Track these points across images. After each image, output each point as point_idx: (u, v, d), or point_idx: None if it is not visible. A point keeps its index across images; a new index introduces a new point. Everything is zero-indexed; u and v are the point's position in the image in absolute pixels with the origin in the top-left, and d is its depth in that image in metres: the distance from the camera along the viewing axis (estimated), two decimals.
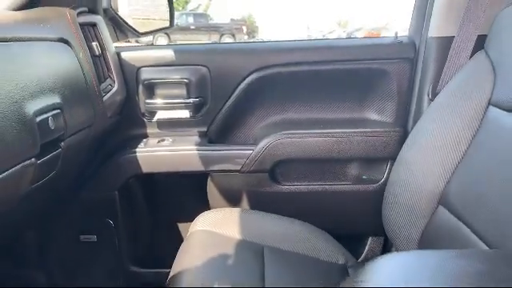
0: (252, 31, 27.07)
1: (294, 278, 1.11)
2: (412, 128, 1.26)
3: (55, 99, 1.02)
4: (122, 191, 1.50)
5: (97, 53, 1.31)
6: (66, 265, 1.56)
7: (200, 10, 26.25)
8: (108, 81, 1.37)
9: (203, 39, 17.65)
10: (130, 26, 1.60)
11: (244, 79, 1.48)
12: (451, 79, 1.20)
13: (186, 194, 1.62)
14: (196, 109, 1.52)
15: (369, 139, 1.43)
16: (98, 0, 1.40)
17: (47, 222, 1.48)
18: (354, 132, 1.44)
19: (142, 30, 1.70)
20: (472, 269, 0.55)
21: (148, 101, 1.51)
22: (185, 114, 1.53)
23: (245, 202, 1.50)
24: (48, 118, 0.97)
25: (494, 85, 1.03)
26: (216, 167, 1.47)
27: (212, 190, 1.52)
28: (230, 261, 1.12)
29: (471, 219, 0.96)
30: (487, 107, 1.03)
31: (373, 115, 1.52)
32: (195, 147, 1.47)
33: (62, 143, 1.06)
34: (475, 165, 1.01)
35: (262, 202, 1.47)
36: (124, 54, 1.48)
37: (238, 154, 1.46)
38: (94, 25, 1.34)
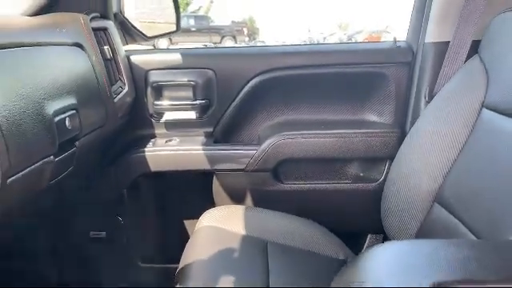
0: (253, 33, 27.08)
1: (297, 272, 1.15)
2: (410, 129, 1.31)
3: (71, 100, 1.07)
4: (130, 189, 1.54)
5: (108, 56, 1.37)
6: (76, 261, 1.60)
7: (201, 12, 26.25)
8: (118, 83, 1.42)
9: (204, 41, 17.64)
10: (138, 30, 1.65)
11: (248, 82, 1.53)
12: (447, 82, 1.25)
13: (192, 192, 1.67)
14: (202, 110, 1.57)
15: (368, 140, 1.48)
16: (109, 5, 1.46)
17: (59, 219, 1.53)
18: (354, 133, 1.48)
19: (149, 34, 1.76)
20: (461, 255, 0.60)
21: (156, 102, 1.56)
22: (191, 115, 1.58)
23: (249, 200, 1.54)
24: (65, 118, 1.03)
25: (487, 88, 1.08)
26: (221, 166, 1.52)
27: (217, 188, 1.57)
28: (235, 255, 1.17)
29: (465, 215, 1.01)
30: (481, 109, 1.08)
31: (372, 117, 1.57)
32: (201, 147, 1.52)
33: (77, 142, 1.11)
34: (469, 164, 1.06)
35: (266, 200, 1.52)
36: (133, 58, 1.54)
37: (242, 154, 1.51)
38: (105, 29, 1.40)
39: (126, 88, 1.44)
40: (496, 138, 1.01)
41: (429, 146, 1.16)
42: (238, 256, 1.17)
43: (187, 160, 1.52)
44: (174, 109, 1.57)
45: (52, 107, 0.98)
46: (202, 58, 1.58)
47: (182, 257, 1.22)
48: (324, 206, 1.53)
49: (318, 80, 1.55)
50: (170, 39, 14.96)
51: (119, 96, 1.38)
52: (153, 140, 1.58)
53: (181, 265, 1.18)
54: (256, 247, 1.21)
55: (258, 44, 18.88)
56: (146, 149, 1.52)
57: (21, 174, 0.86)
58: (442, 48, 1.33)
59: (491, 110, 1.05)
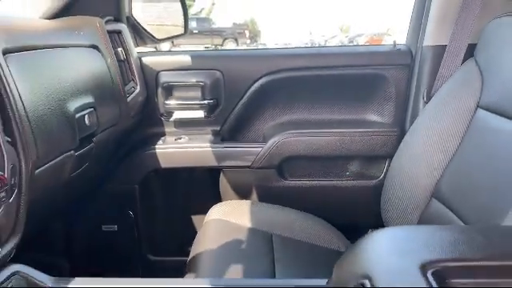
0: (254, 35, 27.04)
1: (301, 263, 1.21)
2: (409, 128, 1.37)
3: (89, 99, 1.14)
4: (141, 184, 1.60)
5: (122, 58, 1.43)
6: (88, 253, 1.66)
7: (203, 15, 26.22)
8: (131, 83, 1.49)
9: (206, 43, 17.61)
10: (148, 33, 1.71)
11: (254, 82, 1.58)
12: (444, 84, 1.31)
13: (200, 187, 1.72)
14: (210, 109, 1.63)
15: (369, 138, 1.53)
16: (122, 9, 1.52)
17: (73, 212, 1.58)
18: (356, 132, 1.54)
19: (158, 36, 1.82)
20: (452, 238, 0.66)
21: (166, 102, 1.62)
22: (200, 114, 1.64)
23: (254, 195, 1.60)
24: (84, 115, 1.10)
25: (482, 89, 1.14)
26: (228, 163, 1.58)
27: (224, 184, 1.62)
28: (243, 246, 1.22)
29: (460, 208, 1.07)
30: (476, 109, 1.14)
31: (373, 116, 1.62)
32: (209, 145, 1.58)
33: (94, 138, 1.18)
34: (465, 161, 1.11)
35: (270, 196, 1.57)
36: (145, 59, 1.60)
37: (248, 152, 1.57)
38: (119, 32, 1.46)
39: (138, 88, 1.51)
40: (490, 136, 1.06)
41: (427, 144, 1.22)
42: (245, 247, 1.22)
43: (196, 157, 1.58)
44: (183, 108, 1.63)
45: (73, 105, 1.05)
46: (211, 60, 1.64)
47: (192, 248, 1.28)
48: (326, 201, 1.58)
49: (321, 81, 1.60)
50: (172, 41, 14.94)
51: (132, 95, 1.45)
52: (163, 138, 1.64)
53: (191, 255, 1.24)
54: (262, 239, 1.27)
55: (260, 46, 18.90)
56: (156, 146, 1.58)
57: (47, 166, 0.93)
58: (440, 51, 1.38)
59: (486, 109, 1.10)
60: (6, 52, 0.85)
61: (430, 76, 1.42)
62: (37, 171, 0.87)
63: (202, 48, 13.18)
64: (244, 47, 18.85)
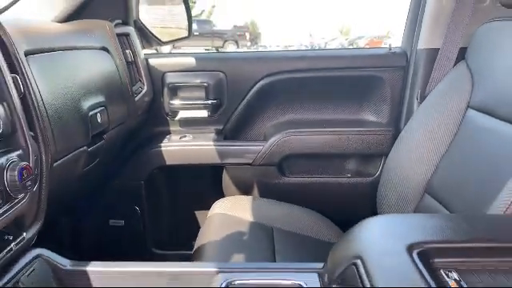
0: (255, 37, 27.06)
1: (300, 254, 1.27)
2: (403, 127, 1.43)
3: (101, 98, 1.21)
4: (147, 181, 1.66)
5: (130, 59, 1.50)
6: (95, 247, 1.72)
7: (203, 17, 26.22)
8: (138, 84, 1.55)
9: (206, 45, 17.59)
10: (154, 36, 1.78)
11: (256, 83, 1.65)
12: (437, 85, 1.37)
13: (203, 183, 1.78)
14: (213, 109, 1.70)
15: (365, 137, 1.60)
16: (129, 13, 1.59)
17: (81, 208, 1.64)
18: (353, 131, 1.60)
19: (162, 39, 1.88)
20: (438, 224, 0.73)
21: (171, 102, 1.68)
22: (203, 113, 1.71)
23: (256, 191, 1.66)
24: (97, 113, 1.16)
25: (472, 90, 1.20)
26: (230, 160, 1.64)
27: (227, 181, 1.69)
28: (245, 238, 1.28)
29: (450, 202, 1.13)
30: (466, 109, 1.20)
31: (369, 116, 1.68)
32: (212, 143, 1.64)
33: (105, 135, 1.25)
34: (456, 158, 1.18)
35: (271, 192, 1.63)
36: (151, 61, 1.66)
37: (249, 150, 1.64)
38: (127, 35, 1.53)
39: (145, 88, 1.57)
40: (479, 134, 1.12)
41: (420, 143, 1.28)
42: (247, 240, 1.28)
43: (199, 155, 1.64)
44: (187, 108, 1.70)
45: (86, 103, 1.11)
46: (214, 62, 1.70)
47: (197, 241, 1.34)
48: (324, 197, 1.64)
49: (320, 82, 1.67)
50: (173, 44, 14.94)
51: (139, 95, 1.51)
52: (168, 136, 1.70)
53: (195, 247, 1.30)
54: (263, 232, 1.32)
55: (260, 48, 18.91)
56: (161, 144, 1.64)
57: (63, 159, 0.99)
58: (433, 54, 1.44)
59: (475, 109, 1.16)
60: (27, 54, 0.91)
61: (424, 78, 1.49)
62: (55, 164, 0.94)
63: (202, 50, 13.20)
64: (245, 49, 18.87)
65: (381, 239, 0.68)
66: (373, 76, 1.63)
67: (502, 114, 1.05)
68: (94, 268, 0.84)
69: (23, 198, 0.76)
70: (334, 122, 1.68)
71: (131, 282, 0.83)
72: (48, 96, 0.94)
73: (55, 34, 1.17)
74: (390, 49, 1.62)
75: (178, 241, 1.74)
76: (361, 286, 0.58)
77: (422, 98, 1.43)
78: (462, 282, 0.57)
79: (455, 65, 1.35)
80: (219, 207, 1.46)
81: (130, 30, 1.57)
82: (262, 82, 1.65)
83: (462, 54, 1.33)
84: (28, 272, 0.77)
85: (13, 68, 0.81)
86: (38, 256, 0.81)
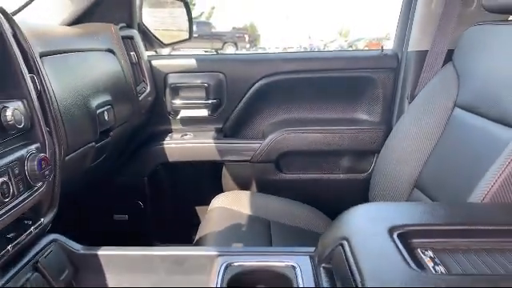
0: (254, 39, 27.05)
1: (295, 245, 1.34)
2: (394, 126, 1.50)
3: (108, 97, 1.28)
4: (150, 177, 1.73)
5: (134, 61, 1.57)
6: (100, 240, 1.78)
7: (202, 18, 26.22)
8: (142, 84, 1.62)
9: (206, 47, 17.58)
10: (156, 38, 1.85)
11: (254, 84, 1.72)
12: (426, 85, 1.44)
13: (204, 179, 1.85)
14: (213, 108, 1.76)
15: (359, 135, 1.67)
16: (133, 17, 1.66)
17: (87, 203, 1.71)
18: (347, 129, 1.67)
19: (164, 41, 1.95)
20: (419, 210, 0.80)
21: (173, 101, 1.75)
22: (204, 112, 1.77)
23: (254, 187, 1.73)
24: (104, 111, 1.23)
25: (459, 90, 1.26)
26: (230, 157, 1.71)
27: (226, 177, 1.75)
28: (243, 229, 1.35)
29: (437, 196, 1.19)
30: (453, 108, 1.26)
31: (362, 115, 1.75)
32: (212, 141, 1.71)
33: (111, 133, 1.32)
34: (443, 153, 1.24)
35: (268, 187, 1.70)
36: (154, 62, 1.73)
37: (248, 147, 1.71)
38: (131, 38, 1.60)
39: (148, 88, 1.64)
40: (465, 131, 1.19)
41: (410, 140, 1.34)
42: (245, 230, 1.35)
43: (200, 152, 1.71)
44: (188, 107, 1.77)
45: (95, 102, 1.19)
46: (214, 63, 1.77)
47: (198, 232, 1.40)
48: (319, 192, 1.71)
49: (315, 83, 1.73)
50: (172, 46, 14.93)
51: (143, 95, 1.58)
52: (170, 134, 1.77)
53: (197, 238, 1.36)
54: (261, 225, 1.39)
55: (259, 50, 18.94)
56: (164, 142, 1.71)
57: (73, 154, 1.06)
58: (422, 56, 1.52)
59: (461, 108, 1.23)
60: (41, 55, 0.98)
61: (414, 78, 1.56)
62: (66, 158, 1.01)
63: (201, 52, 13.22)
64: (244, 51, 18.88)
65: (365, 223, 0.75)
66: (366, 77, 1.70)
67: (484, 112, 1.12)
68: (104, 252, 0.91)
69: (41, 186, 0.83)
70: (329, 120, 1.75)
71: (137, 264, 0.90)
72: (60, 95, 1.01)
73: (65, 36, 1.24)
74: (382, 51, 1.69)
75: (180, 234, 1.79)
76: (346, 264, 0.65)
77: (412, 97, 1.50)
78: (437, 259, 0.63)
79: (443, 66, 1.41)
80: (219, 202, 1.52)
81: (134, 32, 1.64)
82: (260, 83, 1.72)
83: (449, 56, 1.39)
84: (45, 254, 0.84)
85: (30, 68, 0.89)
86: (53, 240, 0.89)
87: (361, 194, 1.61)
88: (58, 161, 0.93)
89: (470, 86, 1.22)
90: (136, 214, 1.75)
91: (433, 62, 1.48)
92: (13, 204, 0.74)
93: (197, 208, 1.87)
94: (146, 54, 1.73)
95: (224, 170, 1.76)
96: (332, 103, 1.77)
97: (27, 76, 0.85)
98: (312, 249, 0.88)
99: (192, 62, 1.74)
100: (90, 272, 0.91)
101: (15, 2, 1.36)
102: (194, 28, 2.03)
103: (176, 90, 1.76)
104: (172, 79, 1.75)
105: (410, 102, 1.53)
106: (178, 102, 1.76)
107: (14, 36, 0.86)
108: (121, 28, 1.55)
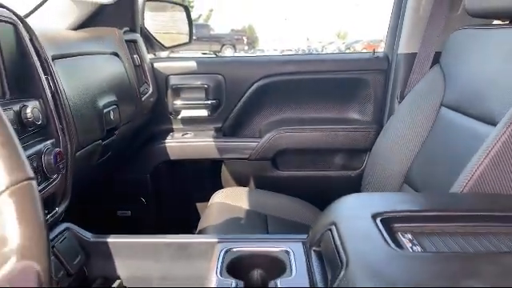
0: (252, 42, 27.10)
1: None
2: (385, 124, 1.56)
3: (113, 97, 1.35)
4: (153, 174, 1.80)
5: (137, 63, 1.64)
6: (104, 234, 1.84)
7: (201, 21, 26.25)
8: (145, 85, 1.69)
9: (204, 49, 17.59)
10: (158, 42, 1.92)
11: (252, 85, 1.79)
12: (415, 86, 1.50)
13: (204, 176, 1.92)
14: (213, 109, 1.83)
15: (351, 134, 1.74)
16: (136, 21, 1.73)
17: (91, 199, 1.77)
18: (340, 128, 1.75)
19: (165, 44, 2.01)
20: (402, 199, 0.88)
21: (175, 102, 1.82)
22: (204, 112, 1.84)
23: (251, 183, 1.80)
24: (110, 111, 1.31)
25: (445, 91, 1.33)
26: (228, 155, 1.78)
27: (225, 174, 1.83)
28: (242, 222, 1.42)
29: (425, 190, 1.25)
30: (440, 107, 1.33)
31: (355, 115, 1.82)
32: (212, 139, 1.78)
33: (116, 131, 1.39)
34: (430, 150, 1.31)
35: (265, 184, 1.77)
36: (156, 64, 1.80)
37: (246, 146, 1.77)
38: (134, 41, 1.67)
39: (151, 89, 1.71)
40: (450, 129, 1.25)
41: (400, 138, 1.41)
42: (244, 224, 1.41)
43: (200, 150, 1.78)
44: (189, 107, 1.83)
45: (101, 102, 1.26)
46: (214, 65, 1.85)
47: (199, 225, 1.47)
48: (314, 188, 1.78)
49: (310, 84, 1.81)
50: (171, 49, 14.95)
51: (145, 96, 1.66)
52: (171, 133, 1.84)
53: (198, 230, 1.43)
54: (258, 219, 1.46)
55: (258, 53, 18.97)
56: (165, 141, 1.78)
57: (82, 150, 1.14)
58: (412, 58, 1.59)
59: (448, 107, 1.29)
60: (54, 58, 1.06)
61: (404, 79, 1.63)
62: (77, 154, 1.08)
63: (200, 54, 13.24)
64: (242, 53, 18.92)
65: (352, 210, 0.83)
66: (358, 78, 1.77)
67: (468, 110, 1.18)
68: (113, 240, 0.98)
69: (56, 179, 0.91)
70: (323, 120, 1.82)
71: (144, 251, 0.97)
72: (71, 95, 1.08)
73: (74, 40, 1.32)
74: (374, 53, 1.77)
75: (181, 229, 1.85)
76: (334, 246, 0.72)
77: (402, 97, 1.56)
78: (415, 241, 0.71)
79: (431, 68, 1.48)
80: (218, 197, 1.59)
81: (137, 36, 1.71)
82: (257, 84, 1.79)
83: (437, 58, 1.45)
84: (60, 240, 0.91)
85: (45, 70, 0.96)
86: (67, 228, 0.96)
87: (353, 190, 1.62)
88: (70, 156, 1.01)
89: (456, 86, 1.28)
90: (139, 210, 1.81)
91: (421, 64, 1.55)
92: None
93: (197, 204, 1.93)
94: (148, 56, 1.80)
95: (223, 168, 1.83)
96: (326, 103, 1.84)
97: (43, 77, 0.92)
98: (304, 236, 0.95)
99: (192, 65, 1.81)
100: (100, 258, 0.98)
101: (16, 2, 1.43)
102: (193, 30, 2.10)
103: (177, 91, 1.83)
104: (173, 81, 1.82)
105: (399, 102, 1.59)
106: (178, 102, 1.83)
107: (31, 41, 0.94)
108: (124, 32, 1.61)
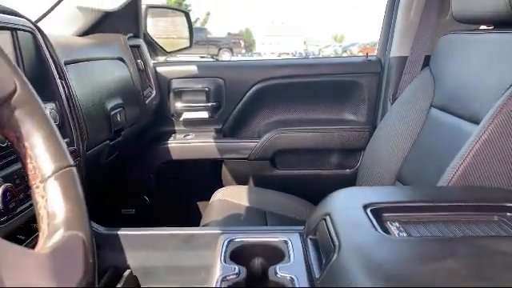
0: (249, 45, 27.17)
1: None
2: (379, 125, 1.62)
3: (120, 100, 1.42)
4: (156, 174, 1.87)
5: (141, 68, 1.71)
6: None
7: (198, 24, 26.28)
8: (148, 89, 1.76)
9: (201, 53, 17.60)
10: (160, 47, 1.99)
11: (251, 88, 1.86)
12: (406, 88, 1.56)
13: (205, 176, 1.98)
14: (213, 111, 1.90)
15: (346, 134, 1.81)
16: (140, 27, 1.81)
17: (96, 198, 1.83)
18: (335, 129, 1.82)
19: (166, 49, 2.08)
20: (391, 191, 0.95)
21: (176, 104, 1.89)
22: (204, 114, 1.90)
23: (251, 182, 1.87)
24: (117, 113, 1.37)
25: (434, 92, 1.39)
26: (228, 155, 1.85)
27: (225, 173, 1.89)
28: (242, 218, 1.49)
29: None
30: (430, 108, 1.39)
31: (349, 116, 1.89)
32: (212, 140, 1.85)
33: (123, 132, 1.46)
34: (420, 148, 1.37)
35: (264, 182, 1.83)
36: (159, 69, 1.88)
37: (245, 146, 1.84)
38: (138, 46, 1.75)
39: (154, 93, 1.78)
40: (439, 128, 1.32)
41: (392, 137, 1.47)
42: (244, 219, 1.48)
43: (201, 150, 1.85)
44: (190, 109, 1.90)
45: (109, 104, 1.33)
46: (214, 69, 1.92)
47: (201, 222, 1.53)
48: (310, 186, 1.84)
49: (306, 87, 1.88)
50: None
51: (149, 99, 1.72)
52: (173, 135, 1.90)
53: (202, 223, 1.49)
54: (258, 215, 1.52)
55: (255, 56, 19.03)
56: (168, 142, 1.85)
57: (92, 150, 1.20)
58: (403, 61, 1.66)
59: (437, 108, 1.36)
60: (66, 63, 1.13)
61: (395, 82, 1.70)
62: (87, 153, 1.15)
63: (197, 58, 13.30)
64: (239, 57, 18.96)
65: (344, 201, 0.90)
66: (352, 81, 1.85)
67: (456, 111, 1.24)
68: (122, 232, 1.05)
69: None
70: (319, 121, 1.89)
71: (151, 242, 1.04)
72: (82, 98, 1.15)
73: (82, 46, 1.39)
74: (367, 57, 1.85)
75: (183, 226, 1.92)
76: (328, 233, 0.79)
77: (394, 99, 1.63)
78: (401, 228, 0.77)
79: (421, 70, 1.54)
80: (219, 196, 1.65)
81: (141, 42, 1.79)
82: (256, 87, 1.86)
83: (426, 61, 1.52)
84: None
85: (59, 75, 1.03)
86: None
87: (348, 187, 1.73)
88: (82, 154, 1.08)
89: (444, 88, 1.35)
90: (142, 209, 1.88)
91: (412, 67, 1.62)
92: None
93: (199, 202, 2.00)
94: (152, 61, 1.87)
95: (223, 167, 1.90)
96: (322, 105, 1.91)
97: (58, 81, 0.99)
98: (301, 227, 1.02)
99: (194, 69, 1.88)
100: (110, 249, 1.05)
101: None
102: None
103: (179, 94, 1.90)
104: (175, 84, 1.88)
105: (392, 104, 1.66)
106: (180, 105, 1.89)
107: (47, 47, 1.01)
108: (128, 38, 1.68)
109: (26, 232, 0.82)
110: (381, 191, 0.97)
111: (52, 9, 1.47)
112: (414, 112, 1.43)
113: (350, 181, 1.76)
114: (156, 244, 1.04)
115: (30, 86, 0.46)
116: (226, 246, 0.94)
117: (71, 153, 0.94)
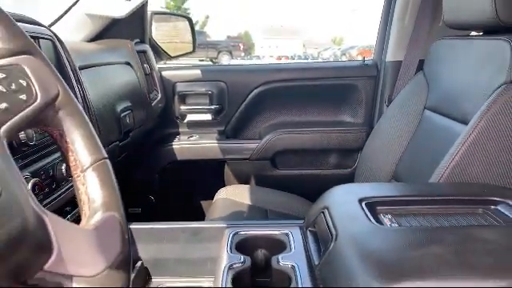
0: (248, 48, 27.20)
1: None
2: (375, 126, 1.69)
3: (128, 103, 1.49)
4: (161, 174, 1.93)
5: (147, 72, 1.77)
6: None
7: (197, 28, 26.33)
8: (154, 92, 1.83)
9: (201, 56, 17.60)
10: (164, 51, 2.06)
11: (252, 91, 1.92)
12: (401, 91, 1.62)
13: (208, 175, 2.04)
14: (216, 113, 1.96)
15: (344, 135, 1.88)
16: (146, 33, 1.87)
17: None
18: (334, 130, 1.88)
19: (170, 54, 2.15)
20: (385, 187, 1.01)
21: (181, 107, 1.95)
22: (208, 117, 1.97)
23: (252, 182, 1.93)
24: (126, 115, 1.44)
25: (428, 95, 1.45)
26: (231, 156, 1.91)
27: (228, 173, 1.96)
28: (244, 215, 1.55)
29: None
30: (423, 110, 1.44)
31: (347, 117, 1.96)
32: (215, 141, 1.91)
33: (131, 134, 1.52)
34: (415, 149, 1.43)
35: (265, 182, 1.90)
36: (164, 73, 1.94)
37: (247, 147, 1.91)
38: (144, 51, 1.81)
39: (159, 96, 1.85)
40: (432, 129, 1.37)
41: (388, 138, 1.53)
42: (246, 217, 1.54)
43: (205, 151, 1.91)
44: (194, 112, 1.97)
45: (119, 107, 1.40)
46: (217, 73, 1.99)
47: (205, 219, 1.60)
48: (310, 186, 1.83)
49: (306, 90, 1.94)
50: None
51: (155, 102, 1.79)
52: (178, 136, 1.97)
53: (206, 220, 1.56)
54: (259, 213, 1.58)
55: (254, 59, 19.05)
56: (172, 143, 1.91)
57: (105, 150, 1.27)
58: (398, 65, 1.73)
59: (430, 110, 1.41)
60: (80, 68, 1.20)
61: (391, 85, 1.77)
62: None
63: (196, 61, 13.37)
64: (239, 60, 18.98)
65: (342, 196, 0.96)
66: (350, 84, 1.91)
67: (448, 112, 1.29)
68: (134, 226, 1.12)
69: None
70: (318, 122, 1.95)
71: (162, 235, 1.11)
72: (95, 100, 1.22)
73: (93, 52, 1.46)
74: (364, 61, 1.92)
75: None
76: (326, 225, 0.86)
77: (390, 101, 1.69)
78: (393, 220, 0.84)
79: (416, 74, 1.59)
80: (222, 195, 1.70)
81: (147, 47, 1.85)
82: (257, 90, 1.92)
83: (420, 65, 1.57)
84: None
85: (76, 79, 1.10)
86: None
87: None
88: None
89: (437, 91, 1.40)
90: (148, 208, 1.94)
91: (406, 70, 1.69)
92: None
93: (202, 202, 2.06)
94: (157, 66, 1.94)
95: (226, 167, 1.96)
96: (320, 107, 1.97)
97: (75, 86, 1.06)
98: (301, 221, 1.08)
99: (197, 73, 1.95)
100: None
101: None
102: None
103: (183, 97, 1.96)
104: (180, 88, 1.95)
105: (387, 106, 1.72)
106: (184, 107, 1.95)
107: (64, 53, 1.08)
108: (135, 43, 1.75)
109: None
110: (375, 187, 1.03)
111: (62, 16, 1.54)
112: (408, 114, 1.48)
113: (348, 180, 1.82)
114: (166, 237, 1.11)
115: (70, 91, 0.53)
116: (232, 238, 1.00)
117: None
